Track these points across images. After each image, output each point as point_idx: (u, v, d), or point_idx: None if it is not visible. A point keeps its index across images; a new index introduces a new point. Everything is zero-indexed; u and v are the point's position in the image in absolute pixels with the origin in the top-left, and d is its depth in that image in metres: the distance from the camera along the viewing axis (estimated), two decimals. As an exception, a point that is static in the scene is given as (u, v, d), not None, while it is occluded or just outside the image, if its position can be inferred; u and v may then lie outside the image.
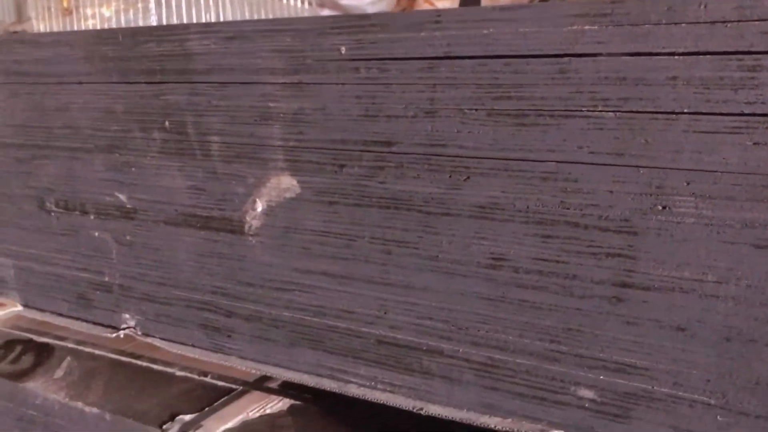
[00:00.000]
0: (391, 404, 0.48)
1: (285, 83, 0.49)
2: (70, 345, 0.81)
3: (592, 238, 0.39)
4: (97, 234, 0.62)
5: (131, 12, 0.81)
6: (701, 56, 0.35)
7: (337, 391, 0.51)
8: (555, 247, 0.40)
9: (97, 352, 0.79)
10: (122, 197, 0.59)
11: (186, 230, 0.56)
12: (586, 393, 0.41)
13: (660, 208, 0.37)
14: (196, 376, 0.73)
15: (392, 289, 0.47)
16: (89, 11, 0.89)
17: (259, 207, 0.52)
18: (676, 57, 0.35)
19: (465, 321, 0.45)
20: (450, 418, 0.46)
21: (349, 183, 0.48)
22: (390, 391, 0.49)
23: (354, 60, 0.45)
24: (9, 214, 0.68)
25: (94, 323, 0.65)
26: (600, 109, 0.38)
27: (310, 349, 0.52)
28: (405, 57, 0.44)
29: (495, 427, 0.45)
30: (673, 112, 0.36)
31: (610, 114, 0.38)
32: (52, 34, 0.61)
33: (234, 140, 0.52)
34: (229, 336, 0.56)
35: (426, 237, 0.45)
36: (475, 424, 0.45)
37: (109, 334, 0.63)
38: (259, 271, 0.53)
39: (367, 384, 0.50)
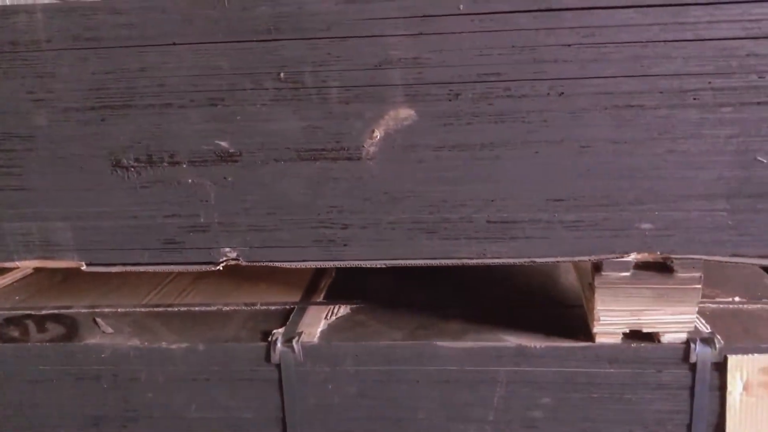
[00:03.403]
0: (502, 263, 0.67)
1: (406, 35, 0.63)
2: (83, 311, 0.84)
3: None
4: (191, 180, 0.69)
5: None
6: None
7: (452, 265, 0.68)
8: (626, 131, 0.63)
9: (119, 310, 0.84)
10: (224, 144, 0.67)
11: (299, 164, 0.67)
12: (647, 226, 0.65)
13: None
14: (244, 308, 0.83)
15: (500, 182, 0.66)
16: None
17: (378, 135, 0.66)
18: None
19: (560, 194, 0.65)
20: (552, 261, 0.66)
21: (463, 107, 0.64)
22: (497, 257, 0.68)
23: (470, 14, 0.62)
24: (68, 178, 0.70)
25: (186, 263, 0.71)
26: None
27: (426, 240, 0.68)
28: (513, 10, 0.61)
29: (585, 259, 0.66)
30: None
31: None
32: (134, 0, 0.64)
33: (353, 84, 0.65)
34: (345, 245, 0.69)
35: (529, 139, 0.64)
36: (569, 261, 0.66)
37: (208, 268, 0.70)
38: (376, 187, 0.67)
39: (477, 256, 0.68)
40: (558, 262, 0.67)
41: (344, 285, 0.88)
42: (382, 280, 0.88)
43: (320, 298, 0.84)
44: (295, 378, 0.72)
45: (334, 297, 0.84)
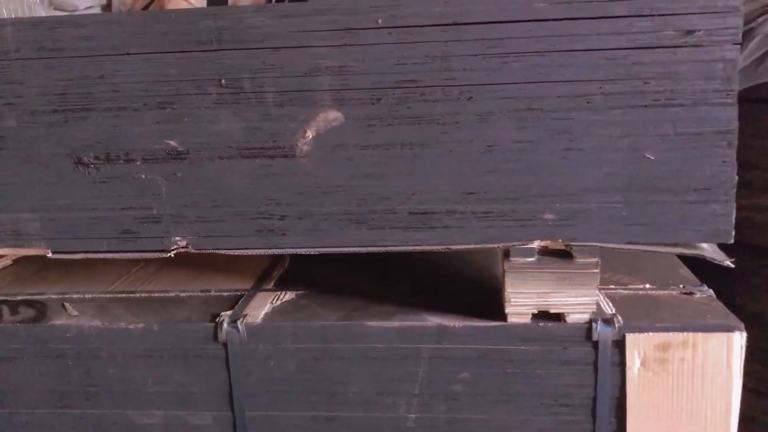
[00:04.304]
0: (422, 251, 0.75)
1: (332, 46, 0.71)
2: (53, 297, 0.92)
3: (549, 125, 0.70)
4: (144, 176, 0.77)
5: None
6: (605, 19, 0.67)
7: (379, 252, 0.76)
8: (528, 132, 0.70)
9: (87, 296, 0.92)
10: (173, 143, 0.75)
11: (240, 161, 0.75)
12: (549, 216, 0.72)
13: (587, 103, 0.69)
14: (200, 294, 0.91)
15: (419, 177, 0.73)
16: None
17: (310, 135, 0.73)
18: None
19: (472, 188, 0.73)
20: (466, 248, 0.74)
21: (384, 110, 0.72)
22: (418, 244, 0.75)
23: (387, 28, 0.70)
24: (36, 174, 0.78)
25: (141, 251, 0.79)
26: (552, 50, 0.68)
27: (355, 230, 0.75)
28: (425, 24, 0.69)
29: (494, 246, 0.74)
30: (592, 50, 0.68)
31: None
32: (93, 15, 0.73)
33: (287, 89, 0.72)
34: (283, 234, 0.76)
35: (442, 139, 0.72)
36: (481, 248, 0.74)
37: (161, 255, 0.78)
38: (310, 182, 0.75)
39: (401, 244, 0.75)
40: (471, 249, 0.74)
41: (294, 275, 0.95)
42: (330, 270, 0.95)
43: (270, 286, 0.92)
44: (240, 355, 0.80)
45: (283, 285, 0.91)
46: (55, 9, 1.64)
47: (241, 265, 0.98)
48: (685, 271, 0.92)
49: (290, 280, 0.94)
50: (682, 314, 0.77)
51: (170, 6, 1.60)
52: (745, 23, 1.23)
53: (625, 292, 0.84)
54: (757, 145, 1.24)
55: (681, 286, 0.85)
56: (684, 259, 0.94)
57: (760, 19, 1.23)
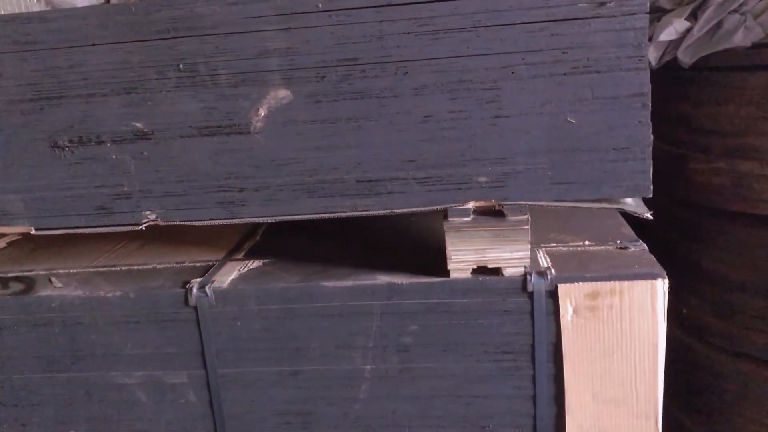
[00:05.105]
0: (369, 215, 0.82)
1: (278, 29, 0.77)
2: (42, 273, 1.00)
3: (478, 95, 0.77)
4: (114, 156, 0.84)
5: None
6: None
7: (330, 217, 0.83)
8: (460, 102, 0.77)
9: (72, 271, 0.99)
10: (139, 125, 0.82)
11: (200, 139, 0.82)
12: (483, 179, 0.79)
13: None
14: (174, 265, 0.98)
15: (363, 148, 0.80)
16: None
17: (262, 113, 0.80)
18: None
19: (412, 156, 0.79)
20: (409, 212, 0.81)
21: (329, 87, 0.79)
22: (366, 210, 0.82)
23: (327, 11, 0.76)
24: (16, 158, 0.85)
25: (116, 225, 0.86)
26: (476, 26, 0.75)
27: (308, 198, 0.82)
28: (361, 6, 0.76)
29: (434, 208, 0.81)
30: (512, 25, 0.74)
31: (482, 28, 0.75)
32: (58, 11, 0.80)
33: (239, 71, 0.79)
34: (242, 205, 0.84)
35: (383, 111, 0.78)
36: (424, 211, 0.81)
37: (133, 228, 0.85)
38: (264, 156, 0.82)
39: (350, 210, 0.82)
40: (413, 212, 0.81)
41: (264, 246, 1.03)
42: (297, 240, 1.02)
43: (240, 256, 0.99)
44: (209, 318, 0.87)
45: (252, 255, 0.99)
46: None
47: (216, 239, 1.06)
48: (626, 230, 0.98)
49: (259, 251, 1.01)
50: (612, 265, 0.84)
51: None
52: (700, -5, 1.29)
53: (564, 248, 0.91)
54: (714, 112, 1.29)
55: (618, 242, 0.92)
56: (626, 216, 1.00)
57: (713, -10, 1.28)
